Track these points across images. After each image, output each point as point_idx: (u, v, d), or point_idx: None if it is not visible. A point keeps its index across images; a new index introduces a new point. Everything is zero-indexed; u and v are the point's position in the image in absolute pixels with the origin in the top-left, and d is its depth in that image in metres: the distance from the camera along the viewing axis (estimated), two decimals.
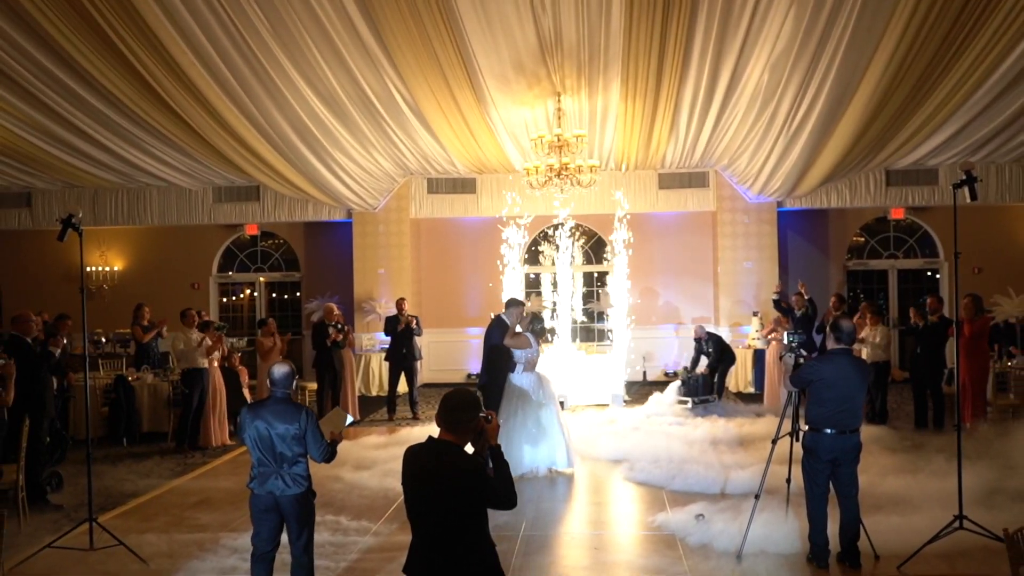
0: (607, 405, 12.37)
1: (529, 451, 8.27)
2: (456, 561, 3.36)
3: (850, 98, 10.20)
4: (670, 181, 14.62)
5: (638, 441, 9.35)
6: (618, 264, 13.35)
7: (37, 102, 10.35)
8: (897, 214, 15.14)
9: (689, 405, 11.69)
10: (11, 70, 9.39)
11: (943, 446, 8.26)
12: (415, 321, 12.09)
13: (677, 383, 12.15)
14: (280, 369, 4.89)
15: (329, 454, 4.86)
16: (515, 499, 3.48)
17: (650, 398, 11.96)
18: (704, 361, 12.40)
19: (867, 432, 9.32)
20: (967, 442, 8.38)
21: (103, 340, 14.21)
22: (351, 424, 5.10)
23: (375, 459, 8.82)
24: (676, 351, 15.16)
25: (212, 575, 5.65)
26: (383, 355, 13.09)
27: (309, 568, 4.90)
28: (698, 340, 12.55)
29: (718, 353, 12.24)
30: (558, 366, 11.72)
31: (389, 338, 12.16)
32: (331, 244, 16.00)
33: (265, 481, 4.76)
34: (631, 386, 13.72)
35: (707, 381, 12.18)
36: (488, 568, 3.43)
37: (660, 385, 14.12)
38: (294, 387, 4.96)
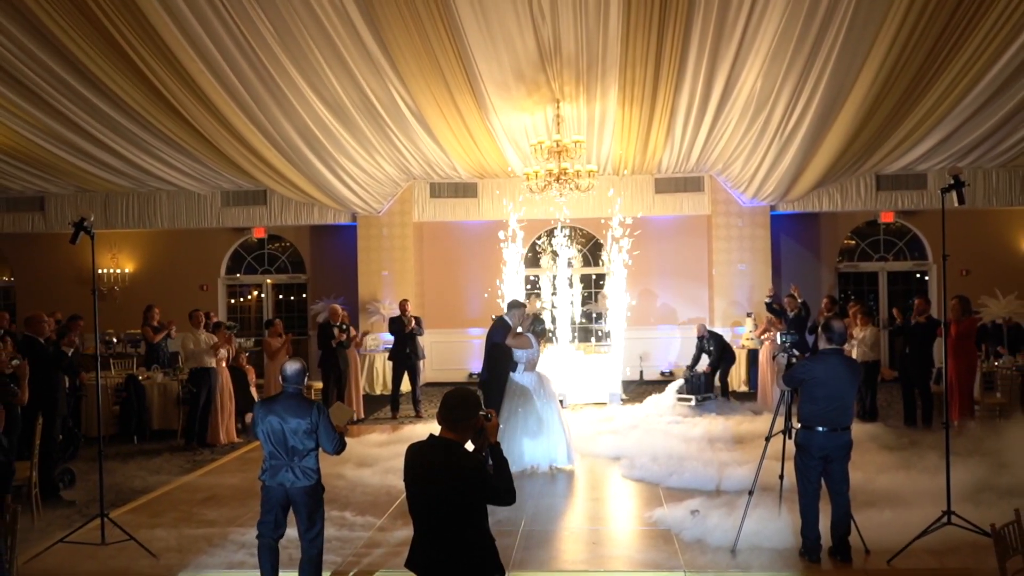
0: (605, 403, 12.38)
1: (530, 448, 8.26)
2: (456, 555, 3.36)
3: (841, 105, 10.21)
4: (666, 185, 14.63)
5: (637, 439, 9.33)
6: (615, 266, 13.36)
7: (50, 108, 10.37)
8: (887, 218, 15.15)
9: (693, 403, 11.73)
10: (25, 77, 9.41)
11: (936, 443, 8.23)
12: (418, 322, 12.09)
13: (676, 383, 12.15)
14: (292, 366, 4.95)
15: (340, 446, 4.92)
16: (514, 495, 3.48)
17: (648, 399, 11.95)
18: (705, 359, 12.46)
19: (863, 429, 9.35)
20: (959, 440, 8.43)
21: (114, 340, 14.22)
22: (351, 421, 5.15)
23: (377, 457, 8.81)
24: (672, 352, 15.16)
25: (220, 570, 5.64)
26: (387, 355, 13.10)
27: (317, 560, 4.92)
28: (700, 338, 12.61)
29: (719, 351, 12.31)
30: (557, 365, 11.72)
31: (393, 338, 12.17)
32: (336, 247, 16.01)
33: (276, 474, 4.82)
34: (628, 385, 13.72)
35: (709, 379, 12.24)
36: (487, 562, 3.43)
37: (656, 384, 14.13)
38: (305, 383, 5.01)
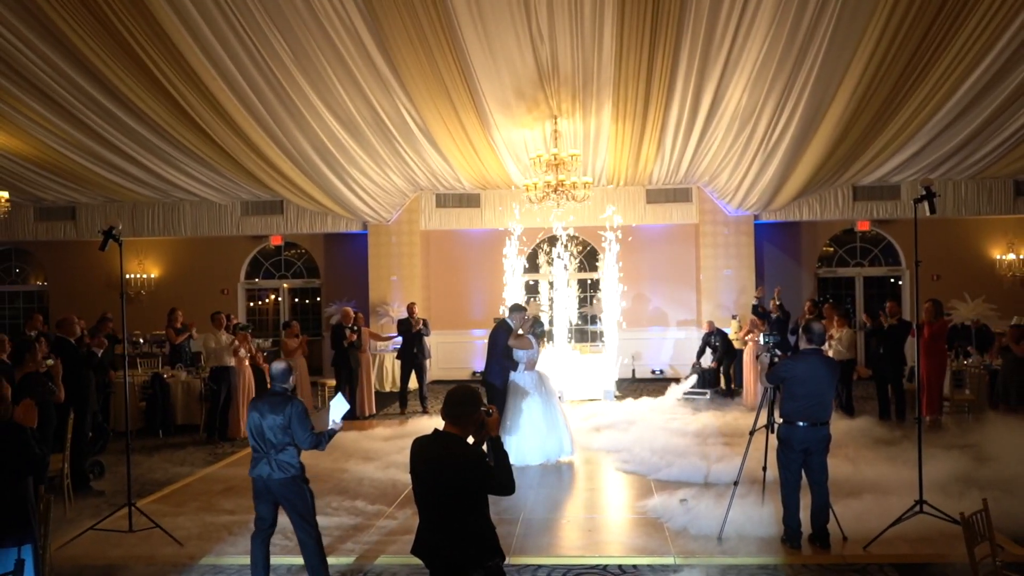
0: (599, 400, 12.37)
1: (538, 443, 8.23)
2: (459, 542, 3.36)
3: (821, 120, 10.20)
4: (657, 196, 14.63)
5: (634, 433, 9.30)
6: (609, 271, 13.35)
7: (81, 124, 10.39)
8: (863, 226, 15.16)
9: (708, 396, 11.85)
10: (56, 95, 9.44)
11: (925, 437, 8.23)
12: (425, 323, 12.09)
13: (680, 386, 12.14)
14: (278, 366, 4.95)
15: (314, 442, 4.81)
16: (513, 486, 3.47)
17: (643, 400, 11.92)
18: (708, 353, 12.80)
19: (855, 424, 9.35)
20: (941, 435, 8.41)
21: (141, 341, 14.23)
22: (346, 415, 5.04)
23: (382, 451, 8.81)
24: (664, 352, 15.14)
25: (240, 556, 5.64)
26: (395, 354, 13.09)
27: (313, 548, 4.84)
28: (709, 334, 12.89)
29: (724, 348, 12.39)
30: (555, 364, 11.70)
31: (401, 339, 12.17)
32: (348, 253, 16.01)
33: (256, 466, 4.85)
34: (621, 383, 13.71)
35: (716, 374, 12.37)
36: (488, 548, 3.43)
37: (648, 382, 14.15)
38: (290, 382, 4.97)
